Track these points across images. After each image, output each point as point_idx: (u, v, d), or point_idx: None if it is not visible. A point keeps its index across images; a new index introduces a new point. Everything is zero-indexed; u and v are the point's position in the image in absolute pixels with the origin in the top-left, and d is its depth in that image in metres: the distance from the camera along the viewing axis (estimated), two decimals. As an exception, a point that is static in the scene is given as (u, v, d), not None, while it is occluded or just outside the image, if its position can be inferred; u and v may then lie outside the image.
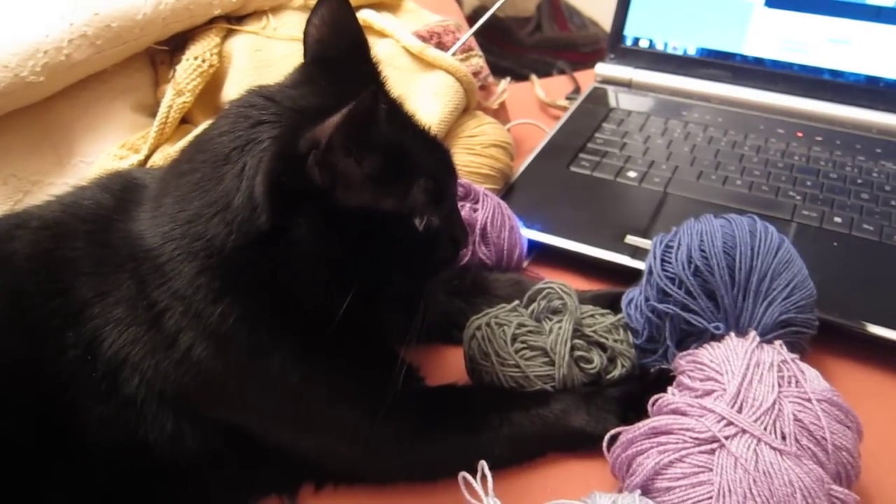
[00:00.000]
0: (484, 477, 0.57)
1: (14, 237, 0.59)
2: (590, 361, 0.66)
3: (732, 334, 0.61)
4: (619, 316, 0.70)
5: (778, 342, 0.60)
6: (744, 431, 0.53)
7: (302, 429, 0.60)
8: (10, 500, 0.53)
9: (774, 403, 0.54)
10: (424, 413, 0.63)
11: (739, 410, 0.54)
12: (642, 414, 0.60)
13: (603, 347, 0.68)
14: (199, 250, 0.53)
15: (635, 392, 0.64)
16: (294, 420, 0.59)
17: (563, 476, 0.63)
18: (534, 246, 0.85)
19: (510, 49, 1.87)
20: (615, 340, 0.68)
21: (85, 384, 0.54)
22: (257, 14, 0.93)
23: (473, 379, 0.69)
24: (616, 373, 0.67)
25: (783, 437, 0.53)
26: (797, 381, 0.56)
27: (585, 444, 0.63)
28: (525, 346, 0.66)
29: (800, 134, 1.01)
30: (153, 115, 0.85)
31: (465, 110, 0.95)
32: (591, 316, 0.69)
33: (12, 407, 0.54)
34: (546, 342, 0.66)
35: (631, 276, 0.76)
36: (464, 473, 0.57)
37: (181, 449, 0.57)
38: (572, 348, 0.65)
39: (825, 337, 0.68)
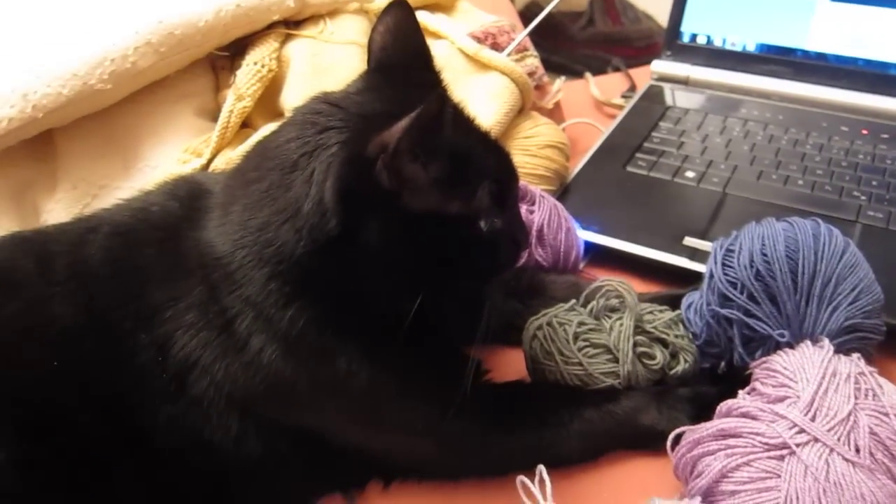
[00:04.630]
0: (542, 481, 0.56)
1: (87, 241, 0.61)
2: (652, 357, 0.66)
3: (808, 342, 0.60)
4: (678, 311, 0.69)
5: (856, 354, 0.58)
6: (816, 440, 0.52)
7: (372, 428, 0.61)
8: (83, 492, 0.56)
9: (850, 415, 0.52)
10: (494, 408, 0.63)
11: (813, 419, 0.53)
12: (713, 416, 0.59)
13: (664, 343, 0.67)
14: (269, 257, 0.54)
15: (706, 393, 0.63)
16: (364, 420, 0.60)
17: (622, 478, 0.63)
18: (590, 247, 0.85)
19: (562, 44, 1.85)
20: (676, 336, 0.67)
21: (155, 384, 0.56)
22: (314, 18, 0.94)
23: (536, 379, 0.69)
24: (679, 368, 0.66)
25: (857, 450, 0.51)
26: (874, 395, 0.55)
27: (655, 443, 0.62)
28: (588, 343, 0.66)
29: (865, 131, 0.98)
30: (214, 119, 0.87)
31: (520, 111, 0.95)
32: (650, 312, 0.69)
33: (87, 405, 0.56)
34: (608, 339, 0.66)
35: (689, 278, 0.75)
36: (521, 477, 0.57)
37: (246, 449, 0.58)
38: (635, 344, 0.65)
39: (893, 343, 0.67)
